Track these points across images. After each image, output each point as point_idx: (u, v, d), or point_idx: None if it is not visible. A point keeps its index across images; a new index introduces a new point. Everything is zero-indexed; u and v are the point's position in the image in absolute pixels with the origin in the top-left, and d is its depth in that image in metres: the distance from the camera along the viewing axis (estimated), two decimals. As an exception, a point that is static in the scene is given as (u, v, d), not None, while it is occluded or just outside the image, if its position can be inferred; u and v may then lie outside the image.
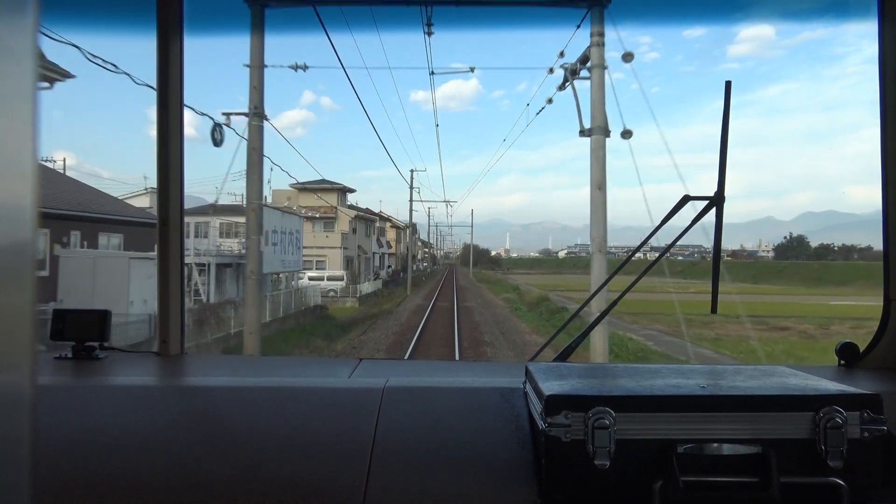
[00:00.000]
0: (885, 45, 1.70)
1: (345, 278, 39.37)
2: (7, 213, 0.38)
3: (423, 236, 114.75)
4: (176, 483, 1.20)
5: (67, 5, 2.05)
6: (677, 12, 2.31)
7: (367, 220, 55.56)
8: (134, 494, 1.18)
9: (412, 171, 51.41)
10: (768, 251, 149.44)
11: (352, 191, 53.61)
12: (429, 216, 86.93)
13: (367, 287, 41.01)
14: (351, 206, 52.40)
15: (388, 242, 65.63)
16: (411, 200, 52.45)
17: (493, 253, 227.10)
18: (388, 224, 70.18)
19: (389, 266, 65.78)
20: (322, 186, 45.34)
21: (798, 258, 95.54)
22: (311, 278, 35.88)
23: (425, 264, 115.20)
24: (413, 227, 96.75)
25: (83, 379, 1.62)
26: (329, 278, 38.48)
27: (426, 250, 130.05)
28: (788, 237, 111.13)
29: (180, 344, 1.91)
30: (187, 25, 1.85)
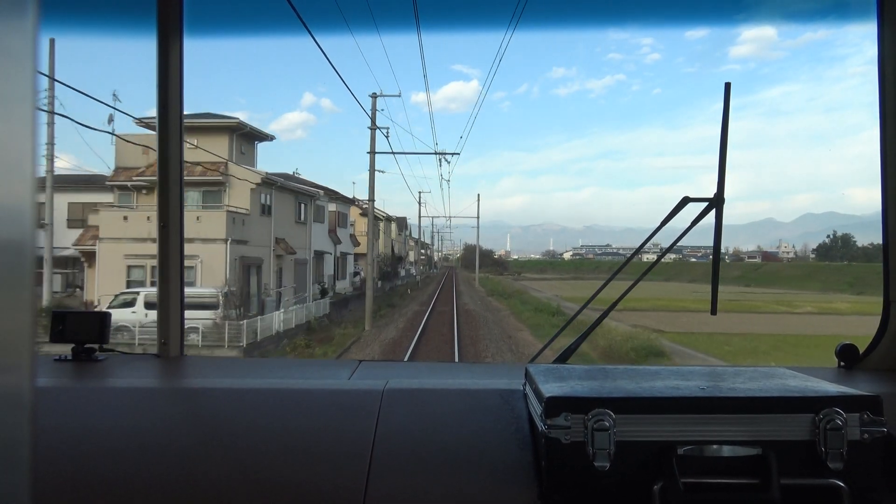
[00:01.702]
0: (885, 47, 1.70)
1: (221, 304, 19.55)
2: (7, 214, 0.39)
3: (420, 237, 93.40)
4: (176, 485, 1.20)
5: (67, 7, 2.05)
6: (679, 13, 2.30)
7: (301, 193, 29.88)
8: (134, 496, 1.18)
9: (374, 95, 25.61)
10: (789, 252, 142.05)
11: (266, 137, 29.57)
12: (419, 203, 59.31)
13: (282, 319, 21.75)
14: (288, 178, 30.03)
15: (353, 237, 43.68)
16: (373, 152, 25.49)
17: (497, 254, 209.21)
18: (357, 211, 44.89)
19: (357, 273, 43.52)
20: (198, 122, 24.47)
21: (842, 260, 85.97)
22: (149, 304, 18.18)
23: (421, 268, 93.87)
24: (402, 221, 75.11)
25: (83, 381, 1.62)
26: (191, 305, 16.85)
27: (422, 252, 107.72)
28: (832, 236, 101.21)
29: (180, 346, 1.91)
30: (187, 27, 1.85)
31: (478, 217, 64.56)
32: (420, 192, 66.07)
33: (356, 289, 39.43)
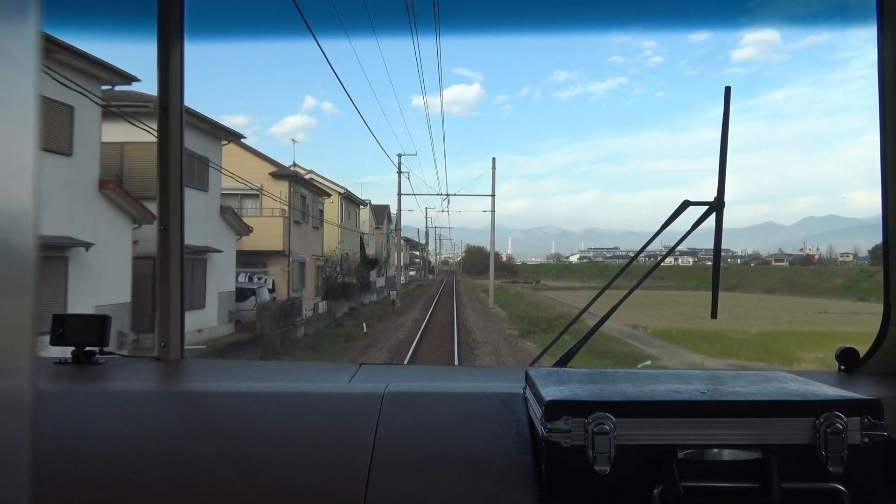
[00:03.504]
0: (885, 50, 1.70)
1: None
2: (8, 218, 0.38)
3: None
4: (175, 489, 1.19)
5: (69, 10, 2.06)
6: (682, 16, 2.30)
7: None
8: (133, 500, 1.18)
9: None
10: (814, 253, 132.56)
11: None
12: (399, 173, 38.68)
13: None
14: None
15: (236, 217, 21.25)
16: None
17: (504, 257, 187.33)
18: (263, 168, 25.44)
19: (252, 293, 22.29)
20: None
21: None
22: None
23: (414, 273, 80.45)
24: (382, 211, 56.23)
25: (83, 384, 1.62)
26: None
27: (416, 253, 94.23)
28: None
29: (180, 349, 1.91)
30: (188, 30, 1.86)
31: (493, 196, 38.05)
32: (400, 156, 39.68)
33: (245, 329, 20.29)
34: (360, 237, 44.75)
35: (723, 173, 1.60)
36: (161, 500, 1.18)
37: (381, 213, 56.43)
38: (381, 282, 47.32)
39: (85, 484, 1.20)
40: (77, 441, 1.30)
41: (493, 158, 38.37)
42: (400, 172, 38.30)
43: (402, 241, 70.87)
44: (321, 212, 30.11)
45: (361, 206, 45.26)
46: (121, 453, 1.26)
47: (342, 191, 37.67)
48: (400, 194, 39.31)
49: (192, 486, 1.20)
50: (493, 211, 37.99)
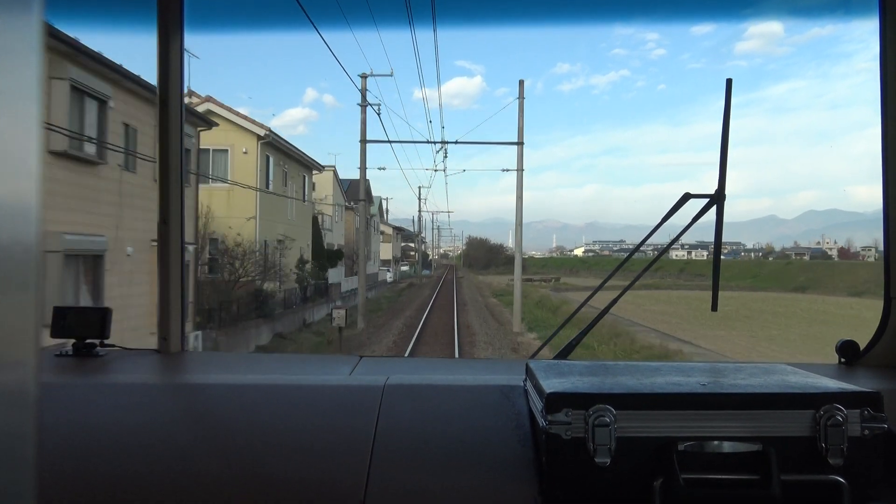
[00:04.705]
0: (887, 43, 1.68)
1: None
2: (12, 212, 0.39)
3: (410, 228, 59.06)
4: (175, 481, 1.20)
5: (70, 2, 2.05)
6: (685, 8, 2.29)
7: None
8: (133, 492, 1.18)
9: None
10: (832, 248, 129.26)
11: None
12: (364, 105, 21.68)
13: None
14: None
15: None
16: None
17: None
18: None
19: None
20: None
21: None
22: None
23: (407, 269, 73.52)
24: (356, 186, 29.61)
25: (83, 376, 1.62)
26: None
27: (410, 245, 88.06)
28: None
29: (180, 342, 1.91)
30: (188, 22, 1.85)
31: (520, 144, 25.53)
32: (364, 77, 23.29)
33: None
34: (315, 217, 30.27)
35: (723, 166, 1.60)
36: (162, 491, 1.18)
37: (355, 189, 35.61)
38: (349, 283, 33.58)
39: (86, 476, 1.21)
40: (78, 433, 1.31)
41: (521, 81, 25.33)
42: (364, 105, 23.25)
43: (393, 231, 60.96)
44: (187, 152, 12.00)
45: (316, 172, 30.61)
46: (121, 445, 1.27)
47: (262, 133, 21.94)
48: (364, 141, 23.94)
49: (193, 477, 1.20)
50: (519, 170, 25.83)
